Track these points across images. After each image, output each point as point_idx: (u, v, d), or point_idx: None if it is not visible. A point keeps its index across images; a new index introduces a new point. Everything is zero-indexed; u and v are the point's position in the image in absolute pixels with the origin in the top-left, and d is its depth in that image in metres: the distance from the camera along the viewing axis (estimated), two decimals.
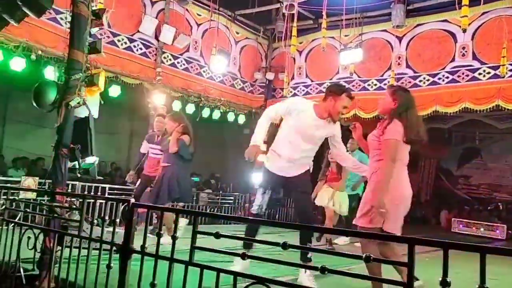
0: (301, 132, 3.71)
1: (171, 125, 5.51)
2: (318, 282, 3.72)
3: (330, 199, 6.08)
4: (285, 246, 1.90)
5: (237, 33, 9.41)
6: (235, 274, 1.98)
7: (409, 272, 1.57)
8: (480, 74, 7.02)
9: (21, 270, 3.01)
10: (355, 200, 6.20)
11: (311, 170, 4.07)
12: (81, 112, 3.24)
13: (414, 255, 1.58)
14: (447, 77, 7.38)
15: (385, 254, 3.12)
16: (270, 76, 9.66)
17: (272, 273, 3.76)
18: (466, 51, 7.22)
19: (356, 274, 1.84)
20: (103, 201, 4.11)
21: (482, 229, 10.98)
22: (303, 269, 3.68)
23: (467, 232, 10.93)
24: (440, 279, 1.48)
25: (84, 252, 2.67)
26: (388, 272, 1.96)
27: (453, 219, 11.96)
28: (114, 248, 2.51)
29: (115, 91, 7.27)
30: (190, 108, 8.52)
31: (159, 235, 2.37)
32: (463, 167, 15.22)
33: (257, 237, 4.11)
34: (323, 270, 1.82)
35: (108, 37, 7.10)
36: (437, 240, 1.54)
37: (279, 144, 3.90)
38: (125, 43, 7.41)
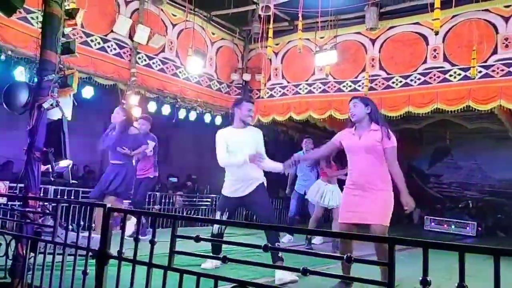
0: (238, 148, 4.16)
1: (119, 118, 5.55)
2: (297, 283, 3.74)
3: (320, 194, 6.10)
4: (266, 248, 1.90)
5: (213, 34, 9.37)
6: (216, 278, 1.97)
7: (390, 272, 1.58)
8: (451, 75, 7.20)
9: None
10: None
11: (265, 184, 4.35)
12: (54, 114, 3.16)
13: (394, 254, 1.60)
14: (419, 79, 7.53)
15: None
16: (247, 77, 9.64)
17: (251, 275, 3.75)
18: (437, 53, 7.39)
19: (336, 275, 1.85)
20: (78, 206, 4.02)
21: (453, 227, 11.28)
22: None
23: (439, 230, 11.21)
24: (420, 278, 1.51)
25: (58, 258, 2.61)
26: (369, 272, 1.98)
27: (425, 217, 12.24)
28: (90, 253, 2.46)
29: (88, 92, 7.11)
30: (166, 109, 8.43)
31: (137, 240, 2.33)
32: (435, 166, 15.60)
33: (236, 239, 4.13)
34: (305, 271, 1.82)
35: (81, 37, 6.94)
36: (417, 240, 1.57)
37: (228, 170, 4.35)
38: (99, 43, 7.26)
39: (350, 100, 3.77)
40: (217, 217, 4.25)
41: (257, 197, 4.20)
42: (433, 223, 11.64)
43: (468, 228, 11.02)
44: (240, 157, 4.08)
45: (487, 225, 12.28)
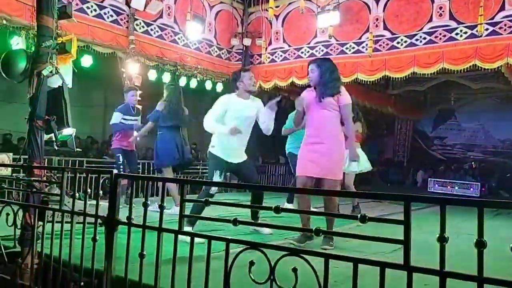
0: (240, 117, 4.24)
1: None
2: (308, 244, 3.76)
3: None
4: (277, 210, 1.87)
5: None
6: (228, 241, 1.95)
7: (406, 229, 1.55)
8: (457, 34, 7.00)
9: (2, 247, 2.92)
10: None
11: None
12: (54, 82, 3.08)
13: (410, 212, 1.56)
14: (425, 38, 7.33)
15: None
16: (247, 42, 9.42)
17: (257, 239, 3.77)
18: (443, 11, 7.17)
19: (350, 234, 1.83)
20: (84, 175, 3.99)
21: (457, 188, 11.32)
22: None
23: (442, 191, 11.24)
24: (438, 235, 1.48)
25: (67, 227, 2.60)
26: (382, 230, 1.95)
27: (429, 179, 12.28)
28: (99, 221, 2.44)
29: (87, 61, 6.98)
30: (166, 77, 8.28)
31: (145, 205, 2.31)
32: (438, 128, 15.53)
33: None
34: (317, 232, 1.80)
35: (77, 4, 6.73)
36: (434, 197, 1.53)
37: (223, 136, 4.24)
38: (95, 10, 7.06)
39: (308, 65, 4.00)
40: (216, 176, 4.22)
41: (248, 164, 4.49)
42: (436, 185, 11.67)
43: (471, 189, 11.06)
44: (224, 129, 4.13)
45: (491, 185, 12.33)
